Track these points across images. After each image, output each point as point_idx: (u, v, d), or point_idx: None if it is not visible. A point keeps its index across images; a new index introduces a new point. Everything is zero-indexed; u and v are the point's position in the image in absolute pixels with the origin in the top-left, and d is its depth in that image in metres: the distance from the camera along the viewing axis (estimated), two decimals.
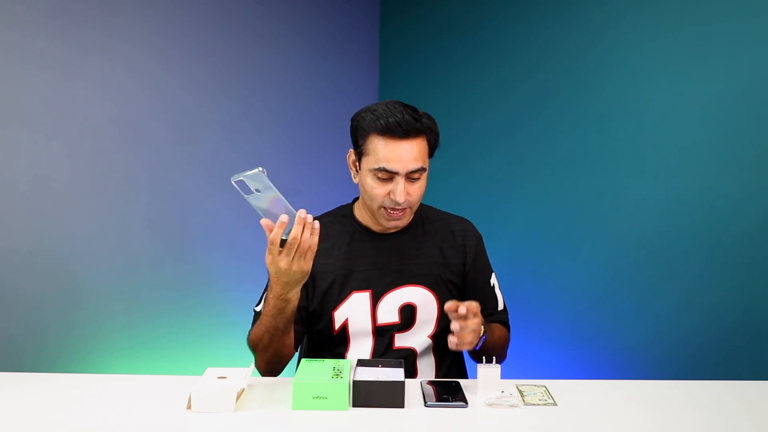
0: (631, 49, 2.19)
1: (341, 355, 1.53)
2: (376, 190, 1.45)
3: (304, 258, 1.28)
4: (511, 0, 2.71)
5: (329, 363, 1.29)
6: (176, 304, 2.81)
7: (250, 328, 1.54)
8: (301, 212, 1.26)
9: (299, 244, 1.26)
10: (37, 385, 1.33)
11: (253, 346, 1.48)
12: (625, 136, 2.21)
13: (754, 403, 1.27)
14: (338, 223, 1.59)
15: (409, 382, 1.35)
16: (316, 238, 1.28)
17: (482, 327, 1.42)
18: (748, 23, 1.85)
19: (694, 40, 1.99)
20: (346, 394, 1.17)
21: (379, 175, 1.43)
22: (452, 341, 1.33)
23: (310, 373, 1.23)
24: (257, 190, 1.24)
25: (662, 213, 2.08)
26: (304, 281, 1.34)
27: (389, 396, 1.18)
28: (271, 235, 1.26)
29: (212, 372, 1.25)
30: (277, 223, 1.25)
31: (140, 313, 2.73)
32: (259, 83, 3.08)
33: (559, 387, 1.31)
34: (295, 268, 1.28)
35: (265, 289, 1.56)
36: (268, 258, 1.29)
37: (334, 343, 1.54)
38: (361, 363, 1.32)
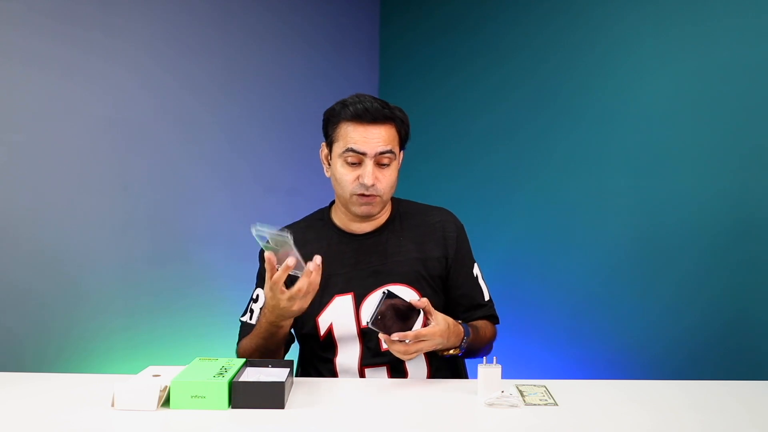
0: (631, 49, 2.19)
1: (330, 360, 1.51)
2: (346, 176, 1.46)
3: (305, 299, 1.30)
4: (511, 0, 2.71)
5: (220, 362, 1.28)
6: (176, 304, 2.81)
7: (237, 338, 1.54)
8: (311, 265, 1.27)
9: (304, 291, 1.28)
10: (37, 385, 1.33)
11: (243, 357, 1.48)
12: (625, 136, 2.21)
13: (754, 403, 1.27)
14: (316, 228, 1.58)
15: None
16: (318, 279, 1.30)
17: (461, 328, 1.41)
18: (748, 23, 1.85)
19: (694, 40, 1.99)
20: (225, 394, 1.15)
21: (348, 158, 1.45)
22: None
23: (193, 372, 1.22)
24: (274, 245, 1.26)
25: (661, 212, 2.08)
26: (300, 314, 1.36)
27: (269, 397, 1.16)
28: (275, 276, 1.27)
29: (150, 370, 1.25)
30: (283, 266, 1.25)
31: (140, 313, 2.73)
32: (259, 83, 3.08)
33: (559, 387, 1.31)
34: (295, 308, 1.31)
35: (251, 300, 1.57)
36: (267, 293, 1.30)
37: (322, 348, 1.52)
38: (251, 364, 1.31)
